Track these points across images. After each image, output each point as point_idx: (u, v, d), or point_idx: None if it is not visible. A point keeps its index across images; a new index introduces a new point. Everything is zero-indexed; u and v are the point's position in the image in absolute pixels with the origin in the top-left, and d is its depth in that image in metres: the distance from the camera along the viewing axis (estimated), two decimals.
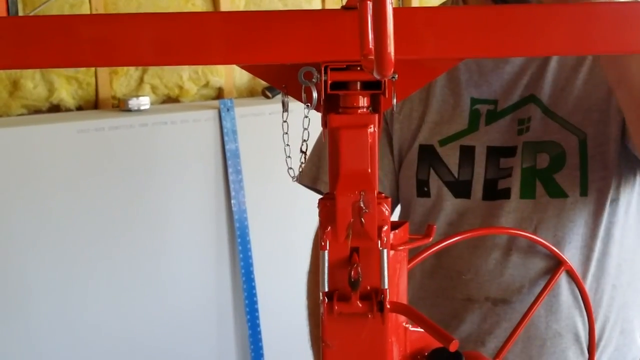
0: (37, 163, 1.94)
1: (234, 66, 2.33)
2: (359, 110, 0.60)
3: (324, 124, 0.62)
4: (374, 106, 0.60)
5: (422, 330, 0.70)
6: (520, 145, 1.06)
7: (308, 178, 1.19)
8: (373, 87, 0.59)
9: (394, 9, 0.40)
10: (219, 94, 2.39)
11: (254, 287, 2.28)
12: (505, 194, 1.07)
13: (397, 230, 0.65)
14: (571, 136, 1.04)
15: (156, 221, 2.13)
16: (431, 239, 0.70)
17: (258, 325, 2.31)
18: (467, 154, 1.09)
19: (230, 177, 2.21)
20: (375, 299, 0.61)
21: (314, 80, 0.59)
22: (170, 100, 2.33)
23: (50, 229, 1.96)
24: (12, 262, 1.93)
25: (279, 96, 1.16)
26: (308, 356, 1.28)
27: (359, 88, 0.59)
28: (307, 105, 0.60)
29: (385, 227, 0.61)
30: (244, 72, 2.45)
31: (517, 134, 1.07)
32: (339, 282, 0.63)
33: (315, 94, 0.59)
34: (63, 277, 2.00)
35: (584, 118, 1.04)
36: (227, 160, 2.20)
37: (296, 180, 1.08)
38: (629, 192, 1.07)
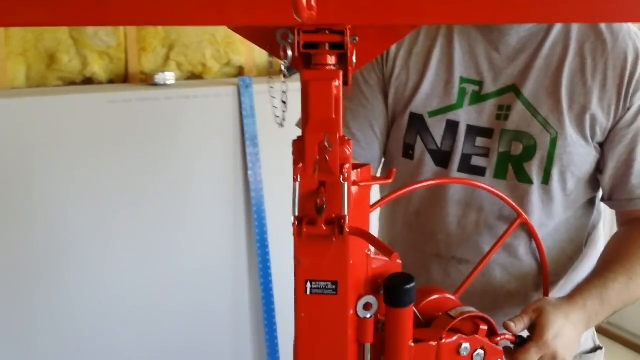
0: (71, 129, 2.07)
1: (254, 46, 2.46)
2: (327, 67, 0.72)
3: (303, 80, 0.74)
4: (341, 63, 0.72)
5: (383, 259, 0.82)
6: (498, 130, 1.16)
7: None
8: (338, 48, 0.71)
9: None
10: (240, 72, 2.48)
11: (267, 254, 2.40)
12: (480, 171, 1.18)
13: (359, 170, 0.77)
14: (545, 133, 1.14)
15: (177, 188, 2.24)
16: (391, 180, 0.82)
17: (271, 289, 2.43)
18: (451, 127, 1.19)
19: (248, 150, 2.32)
20: (337, 223, 0.73)
21: (289, 41, 0.70)
22: (194, 76, 2.43)
23: (79, 189, 2.09)
24: (48, 217, 2.08)
25: (296, 75, 1.30)
26: None
27: (327, 48, 0.71)
28: (284, 62, 0.72)
29: (347, 165, 0.73)
30: (264, 52, 2.56)
31: (495, 119, 1.17)
32: (308, 210, 0.75)
33: (290, 53, 0.71)
34: (90, 233, 2.13)
35: (560, 120, 1.13)
36: (245, 134, 2.31)
37: (297, 125, 1.21)
38: (585, 184, 1.18)
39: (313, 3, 0.51)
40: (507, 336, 0.93)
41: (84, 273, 2.14)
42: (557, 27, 1.15)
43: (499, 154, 1.16)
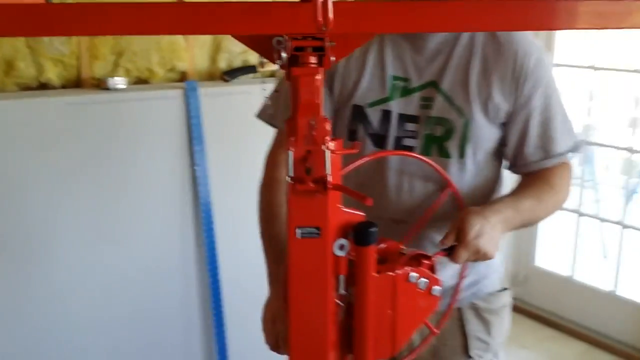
0: (31, 130, 2.19)
1: (197, 52, 2.65)
2: (311, 65, 0.96)
3: (288, 76, 0.97)
4: (320, 62, 0.96)
5: (351, 211, 1.06)
6: (423, 117, 1.43)
7: (267, 115, 1.55)
8: (319, 50, 0.94)
9: (337, 4, 0.76)
10: (183, 77, 2.65)
11: (214, 243, 2.58)
12: (410, 150, 1.44)
13: (335, 142, 1.01)
14: (460, 119, 1.41)
15: (130, 184, 2.39)
16: (357, 150, 1.07)
17: (218, 278, 2.61)
18: (386, 116, 1.45)
19: (195, 148, 2.50)
20: (321, 181, 0.97)
21: (282, 46, 0.93)
22: (140, 81, 2.56)
23: (36, 186, 2.21)
24: (8, 213, 2.20)
25: (235, 80, 1.49)
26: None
27: (310, 51, 0.95)
28: (277, 62, 0.95)
29: (327, 137, 0.97)
30: (205, 58, 2.75)
31: (420, 108, 1.43)
32: (298, 172, 0.98)
33: (283, 54, 0.94)
34: (44, 228, 2.26)
35: (472, 108, 1.41)
36: (192, 133, 2.49)
37: (257, 116, 1.44)
38: (491, 157, 1.47)
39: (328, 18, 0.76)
40: (439, 253, 1.20)
41: (34, 267, 2.25)
42: (465, 34, 1.43)
43: (425, 136, 1.43)
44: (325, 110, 1.47)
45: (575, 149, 1.48)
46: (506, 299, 1.61)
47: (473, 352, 1.54)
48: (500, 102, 1.41)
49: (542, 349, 3.18)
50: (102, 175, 2.34)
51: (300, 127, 0.96)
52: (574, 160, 1.53)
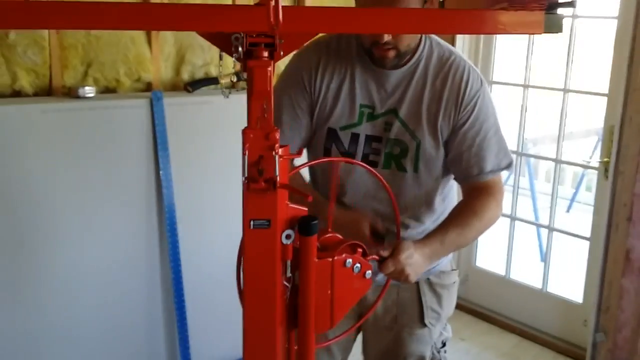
0: (5, 135, 2.30)
1: (162, 64, 2.79)
2: (263, 58, 1.12)
3: (244, 68, 1.12)
4: (271, 56, 1.11)
5: (296, 207, 1.23)
6: (385, 138, 1.65)
7: None
8: (270, 46, 1.11)
9: (285, 8, 0.94)
10: (148, 88, 2.78)
11: (177, 241, 2.71)
12: (375, 164, 1.67)
13: (283, 148, 1.18)
14: (413, 141, 1.64)
15: (98, 186, 2.51)
16: (300, 156, 1.25)
17: (180, 273, 2.74)
18: (354, 137, 1.68)
19: (159, 153, 2.63)
20: (271, 181, 1.14)
21: (239, 42, 1.09)
22: (108, 90, 2.68)
23: (13, 187, 2.34)
24: None
25: (198, 90, 1.68)
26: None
27: (263, 46, 1.11)
28: (234, 55, 1.10)
29: (277, 145, 1.14)
30: (169, 70, 2.89)
31: (384, 130, 1.66)
32: (252, 173, 1.15)
33: (240, 49, 1.10)
34: (13, 227, 2.39)
35: (422, 132, 1.63)
36: (157, 139, 2.63)
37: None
38: (440, 170, 1.69)
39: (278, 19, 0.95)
40: (374, 256, 1.39)
41: (20, 255, 2.38)
42: (420, 70, 1.63)
43: (385, 153, 1.66)
44: (305, 131, 1.70)
45: (507, 167, 1.69)
46: (455, 277, 1.87)
47: (427, 320, 1.79)
48: (444, 125, 1.64)
49: (478, 341, 3.40)
50: (73, 177, 2.46)
51: (254, 110, 1.12)
52: (509, 171, 1.73)
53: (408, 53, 1.61)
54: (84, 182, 2.49)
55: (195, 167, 2.75)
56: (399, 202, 1.61)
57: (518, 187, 3.66)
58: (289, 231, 1.20)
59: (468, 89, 1.61)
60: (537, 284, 3.51)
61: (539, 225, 4.40)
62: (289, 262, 1.21)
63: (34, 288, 2.43)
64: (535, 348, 3.34)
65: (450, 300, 1.85)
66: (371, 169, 1.45)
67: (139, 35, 2.72)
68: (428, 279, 1.79)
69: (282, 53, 1.10)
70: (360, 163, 1.48)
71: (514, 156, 3.52)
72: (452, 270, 1.87)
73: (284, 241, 1.19)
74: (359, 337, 1.92)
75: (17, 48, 2.43)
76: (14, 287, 2.40)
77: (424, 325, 1.79)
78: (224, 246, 2.51)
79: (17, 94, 2.48)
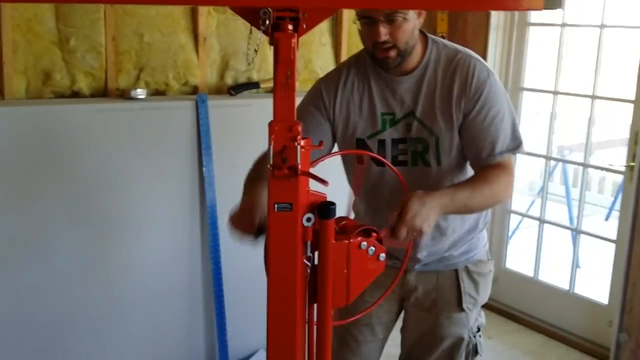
0: (64, 132, 2.49)
1: (208, 70, 2.96)
2: (288, 30, 1.24)
3: (271, 41, 1.24)
4: (295, 29, 1.23)
5: (317, 193, 1.36)
6: (408, 139, 1.77)
7: None
8: (295, 20, 1.23)
9: None
10: (194, 91, 2.93)
11: (217, 234, 2.87)
12: (404, 163, 1.79)
13: (305, 140, 1.30)
14: (432, 137, 1.76)
15: (148, 179, 2.69)
16: (322, 147, 1.37)
17: (219, 262, 2.90)
18: (382, 143, 1.81)
19: (203, 151, 2.80)
20: (293, 169, 1.27)
21: (267, 16, 1.22)
22: (158, 93, 2.85)
23: (71, 179, 2.52)
24: (36, 206, 2.50)
25: (240, 94, 1.83)
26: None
27: (288, 20, 1.23)
28: (261, 28, 1.23)
29: (299, 136, 1.27)
30: (214, 75, 3.05)
31: (406, 132, 1.77)
32: (276, 162, 1.28)
33: (267, 22, 1.22)
34: (71, 209, 2.58)
35: (438, 126, 1.74)
36: (201, 138, 2.80)
37: None
38: (460, 158, 1.78)
39: None
40: (386, 229, 1.47)
41: (74, 243, 2.57)
42: (429, 72, 1.74)
43: (411, 152, 1.78)
44: (325, 135, 1.82)
45: (516, 148, 1.77)
46: (491, 267, 1.97)
47: (465, 305, 1.89)
48: (457, 113, 1.74)
49: (505, 340, 3.45)
50: (124, 171, 2.63)
51: (279, 76, 1.24)
52: (519, 152, 1.80)
53: (409, 51, 1.70)
54: (134, 176, 2.66)
55: (236, 165, 2.86)
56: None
57: (547, 191, 3.70)
58: (309, 215, 1.31)
59: (475, 79, 1.71)
60: (564, 285, 3.54)
61: (566, 228, 4.40)
62: (309, 243, 1.33)
63: (91, 264, 2.62)
64: (561, 347, 3.37)
65: (485, 288, 1.95)
66: (388, 162, 1.57)
67: (188, 42, 2.89)
68: (466, 267, 1.90)
69: (304, 26, 1.21)
70: (378, 157, 1.59)
71: (543, 160, 3.60)
72: (489, 260, 1.97)
73: (305, 224, 1.31)
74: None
75: (77, 53, 2.62)
76: (74, 262, 2.57)
77: (462, 309, 1.88)
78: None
79: (75, 94, 2.67)
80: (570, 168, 5.60)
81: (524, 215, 4.19)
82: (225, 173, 2.87)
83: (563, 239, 4.50)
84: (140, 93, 2.71)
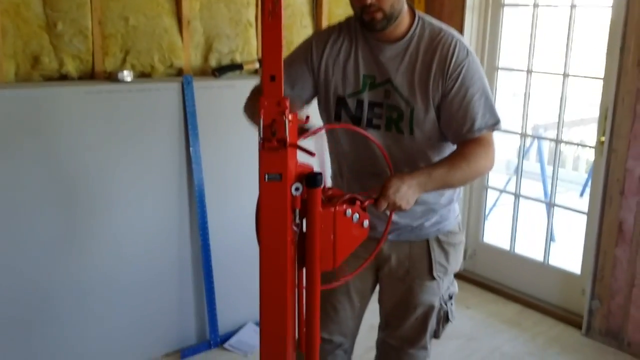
0: (53, 114, 2.53)
1: (192, 52, 3.01)
2: None
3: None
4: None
5: (305, 164, 1.43)
6: (385, 104, 1.83)
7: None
8: None
9: None
10: (179, 73, 2.97)
11: (205, 212, 2.94)
12: (378, 127, 1.85)
13: (292, 114, 1.38)
14: (407, 106, 1.82)
15: (136, 159, 2.74)
16: (307, 122, 1.45)
17: (208, 241, 2.97)
18: (360, 103, 1.87)
19: (190, 131, 2.86)
20: (282, 141, 1.34)
21: None
22: (144, 75, 2.89)
23: (59, 158, 2.58)
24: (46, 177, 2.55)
25: (224, 76, 1.89)
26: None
27: None
28: None
29: (287, 110, 1.34)
30: (199, 57, 3.10)
31: (383, 97, 1.83)
32: (266, 134, 1.36)
33: None
34: (63, 191, 2.64)
35: (414, 98, 1.81)
36: (187, 119, 2.85)
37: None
38: (434, 131, 1.85)
39: None
40: (369, 200, 1.56)
41: (65, 220, 2.63)
42: (413, 45, 1.81)
43: (386, 117, 1.84)
44: (304, 88, 1.89)
45: (493, 125, 1.84)
46: (461, 238, 2.06)
47: (435, 273, 1.97)
48: (435, 91, 1.81)
49: (483, 309, 3.57)
50: (113, 151, 2.69)
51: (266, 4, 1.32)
52: (497, 129, 1.87)
53: (395, 15, 1.76)
54: (123, 156, 2.72)
55: (221, 144, 2.97)
56: (399, 159, 1.80)
57: (522, 168, 3.81)
58: (297, 184, 1.40)
59: (454, 58, 1.78)
60: (540, 257, 3.67)
61: (540, 202, 4.51)
62: (297, 211, 1.41)
63: (77, 244, 2.68)
64: (536, 315, 3.50)
65: (456, 257, 2.03)
66: (362, 130, 1.67)
67: (172, 26, 2.93)
68: (437, 237, 1.97)
69: None
70: (356, 128, 1.67)
71: (518, 137, 3.71)
72: (460, 231, 2.05)
73: (294, 192, 1.40)
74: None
75: (64, 37, 2.65)
76: (62, 242, 2.64)
77: (433, 278, 1.96)
78: (248, 217, 2.73)
79: (63, 77, 2.70)
80: (546, 146, 5.73)
81: (500, 191, 4.32)
82: (212, 152, 2.94)
83: (539, 213, 4.64)
84: (127, 75, 2.75)
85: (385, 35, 1.81)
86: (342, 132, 1.90)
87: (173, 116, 2.85)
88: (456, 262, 2.03)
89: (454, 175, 1.76)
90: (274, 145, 1.34)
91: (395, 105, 1.83)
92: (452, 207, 2.00)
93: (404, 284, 1.98)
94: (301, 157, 1.43)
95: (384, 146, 1.71)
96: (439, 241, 1.97)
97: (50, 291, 2.62)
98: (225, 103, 2.99)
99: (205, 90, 2.93)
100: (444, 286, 2.00)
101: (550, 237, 3.65)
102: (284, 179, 1.38)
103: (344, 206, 1.48)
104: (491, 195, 4.19)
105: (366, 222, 1.51)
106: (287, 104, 1.35)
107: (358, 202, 1.51)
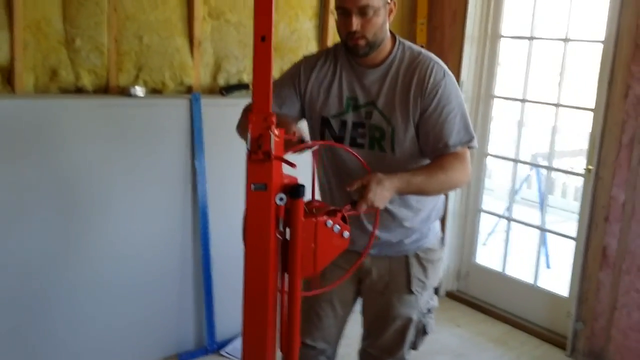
0: (69, 125, 2.62)
1: (202, 71, 3.10)
2: None
3: None
4: None
5: (289, 175, 1.50)
6: (367, 124, 1.90)
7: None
8: None
9: None
10: (189, 90, 3.06)
11: (207, 221, 3.00)
12: (361, 146, 1.92)
13: (279, 129, 1.45)
14: (388, 126, 1.89)
15: (144, 169, 2.83)
16: (295, 139, 1.52)
17: (209, 247, 3.05)
18: (343, 124, 1.94)
19: (196, 146, 2.94)
20: (267, 154, 1.42)
21: None
22: (155, 91, 2.97)
23: (74, 165, 2.67)
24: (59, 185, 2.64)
25: (231, 94, 1.98)
26: None
27: None
28: None
29: (272, 126, 1.42)
30: (208, 76, 3.19)
31: (365, 118, 1.91)
32: (253, 147, 1.43)
33: None
34: (76, 198, 2.72)
35: (395, 118, 1.88)
36: (194, 134, 2.94)
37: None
38: (414, 148, 1.91)
39: None
40: (348, 205, 1.62)
41: (76, 225, 2.71)
42: (393, 68, 1.88)
43: (369, 137, 1.91)
44: (290, 107, 1.97)
45: (468, 142, 1.90)
46: (440, 255, 2.10)
47: (413, 287, 2.02)
48: (414, 109, 1.87)
49: (472, 328, 3.59)
50: (123, 161, 2.77)
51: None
52: (472, 146, 1.93)
53: (377, 43, 1.84)
54: (132, 166, 2.80)
55: (225, 158, 3.04)
56: None
57: (514, 192, 3.86)
58: (281, 195, 1.47)
59: (431, 79, 1.85)
60: (530, 280, 3.70)
61: (532, 226, 4.54)
62: (281, 220, 1.48)
63: (86, 248, 2.75)
64: (523, 336, 3.52)
65: (434, 273, 2.07)
66: (348, 148, 1.76)
67: (184, 46, 3.03)
68: (416, 253, 2.02)
69: None
70: (345, 147, 1.74)
71: (511, 164, 3.76)
72: (440, 248, 2.10)
73: (278, 202, 1.46)
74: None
75: (82, 52, 2.76)
76: (71, 245, 2.71)
77: (411, 292, 2.01)
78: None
79: (79, 90, 2.80)
80: (550, 175, 5.76)
81: (492, 214, 4.35)
82: (216, 166, 3.02)
83: (532, 239, 4.66)
84: (139, 91, 2.84)
85: (368, 60, 1.89)
86: (325, 150, 1.98)
87: (181, 131, 2.93)
88: (435, 277, 2.07)
89: (430, 183, 1.82)
90: (260, 157, 1.42)
91: (377, 125, 1.90)
92: (431, 226, 2.05)
93: (383, 296, 2.03)
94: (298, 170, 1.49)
95: (367, 163, 1.78)
96: (418, 257, 2.02)
97: (52, 294, 2.69)
98: (230, 120, 3.00)
99: (212, 108, 3.01)
100: (423, 300, 2.04)
101: (538, 260, 3.69)
102: (268, 189, 1.45)
103: (325, 217, 1.54)
104: (486, 219, 4.23)
105: (346, 233, 1.57)
106: (274, 119, 1.42)
107: (339, 214, 1.57)
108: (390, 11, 1.87)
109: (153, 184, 2.88)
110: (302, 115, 2.00)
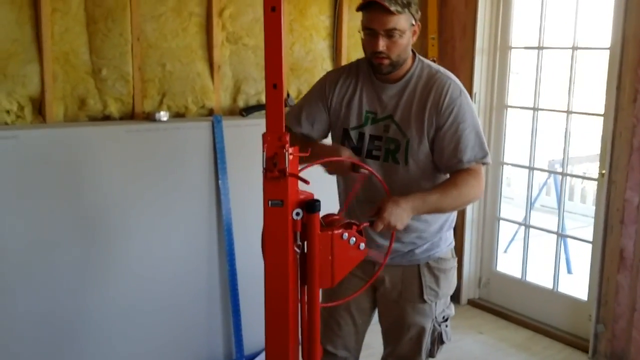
0: (97, 150, 2.70)
1: (222, 94, 3.17)
2: None
3: None
4: None
5: (305, 191, 1.54)
6: (384, 137, 1.94)
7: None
8: None
9: None
10: (210, 113, 3.13)
11: (232, 240, 3.04)
12: (377, 158, 1.96)
13: (293, 148, 1.49)
14: (404, 140, 1.92)
15: (170, 190, 2.88)
16: (308, 154, 1.56)
17: (234, 265, 3.08)
18: (361, 136, 1.98)
19: (219, 166, 2.99)
20: (283, 171, 1.45)
21: None
22: (178, 115, 3.05)
23: (105, 191, 2.72)
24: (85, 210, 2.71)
25: (251, 115, 2.04)
26: None
27: None
28: None
29: (287, 145, 1.45)
30: (228, 98, 3.26)
31: (383, 131, 1.94)
32: (269, 166, 1.47)
33: None
34: (103, 220, 2.78)
35: (410, 131, 1.91)
36: (217, 154, 2.99)
37: None
38: (427, 163, 1.94)
39: None
40: (365, 223, 1.65)
41: (109, 247, 2.77)
42: (411, 85, 1.92)
43: (385, 149, 1.95)
44: (321, 123, 2.04)
45: (482, 158, 1.93)
46: (452, 264, 2.10)
47: (426, 297, 2.03)
48: (429, 126, 1.91)
49: (495, 335, 3.57)
50: (150, 183, 2.83)
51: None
52: (486, 163, 1.95)
53: (400, 63, 1.88)
54: (159, 188, 2.86)
55: (247, 177, 3.06)
56: (395, 187, 1.87)
57: (531, 199, 3.84)
58: (298, 210, 1.50)
59: (447, 98, 1.89)
60: (549, 285, 3.67)
61: (549, 232, 4.50)
62: (298, 234, 1.51)
63: (118, 270, 2.80)
64: (546, 340, 3.49)
65: (447, 282, 2.07)
66: (360, 162, 1.80)
67: (204, 70, 3.10)
68: (428, 263, 2.03)
69: None
70: (358, 161, 1.78)
71: (526, 171, 3.75)
72: (452, 257, 2.10)
73: (294, 217, 1.50)
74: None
75: (108, 81, 2.84)
76: (102, 268, 2.76)
77: (424, 301, 2.02)
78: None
79: (106, 117, 2.88)
80: (567, 181, 5.71)
81: (511, 222, 4.33)
82: (239, 185, 3.06)
83: (552, 245, 4.62)
84: (164, 115, 2.92)
85: (389, 76, 1.93)
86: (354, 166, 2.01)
87: (204, 152, 2.98)
88: (448, 287, 2.07)
89: (445, 201, 1.85)
90: (276, 175, 1.45)
91: (393, 138, 1.93)
92: (443, 236, 2.06)
93: (397, 305, 2.04)
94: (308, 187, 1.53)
95: (381, 175, 1.81)
96: (429, 267, 2.03)
97: (87, 315, 2.74)
98: (251, 140, 3.04)
99: (233, 129, 3.07)
100: (438, 309, 2.04)
101: (557, 265, 3.66)
102: (285, 205, 1.48)
103: (341, 230, 1.57)
104: (511, 229, 4.19)
105: (362, 245, 1.60)
106: (287, 138, 1.46)
107: (354, 227, 1.60)
108: (414, 32, 1.91)
109: (179, 203, 2.93)
110: (330, 129, 2.07)
